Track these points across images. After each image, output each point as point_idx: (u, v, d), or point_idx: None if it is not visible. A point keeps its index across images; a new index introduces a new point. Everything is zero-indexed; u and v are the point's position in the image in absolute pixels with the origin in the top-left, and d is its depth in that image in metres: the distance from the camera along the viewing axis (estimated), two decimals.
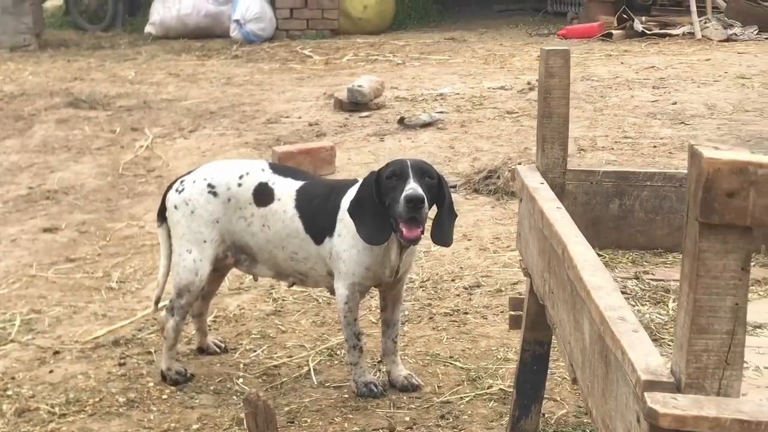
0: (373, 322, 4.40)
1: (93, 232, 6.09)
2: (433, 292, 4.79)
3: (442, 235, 3.61)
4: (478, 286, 4.82)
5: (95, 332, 4.50)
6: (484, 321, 4.44)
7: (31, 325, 4.63)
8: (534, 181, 3.14)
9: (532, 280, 3.13)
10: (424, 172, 3.49)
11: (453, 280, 4.91)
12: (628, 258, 3.30)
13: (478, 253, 5.23)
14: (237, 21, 13.30)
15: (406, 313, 4.51)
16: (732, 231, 1.65)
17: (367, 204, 3.50)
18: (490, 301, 4.64)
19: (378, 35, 13.68)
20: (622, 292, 2.96)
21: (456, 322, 4.44)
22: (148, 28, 14.14)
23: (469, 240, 5.42)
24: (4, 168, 7.56)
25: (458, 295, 4.74)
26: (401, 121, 7.74)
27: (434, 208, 3.62)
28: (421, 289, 4.83)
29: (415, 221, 3.41)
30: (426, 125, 7.66)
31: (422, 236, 3.49)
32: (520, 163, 6.36)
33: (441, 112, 8.06)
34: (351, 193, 3.65)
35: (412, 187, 3.40)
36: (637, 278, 3.10)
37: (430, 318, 4.50)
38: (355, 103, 8.34)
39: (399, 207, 3.40)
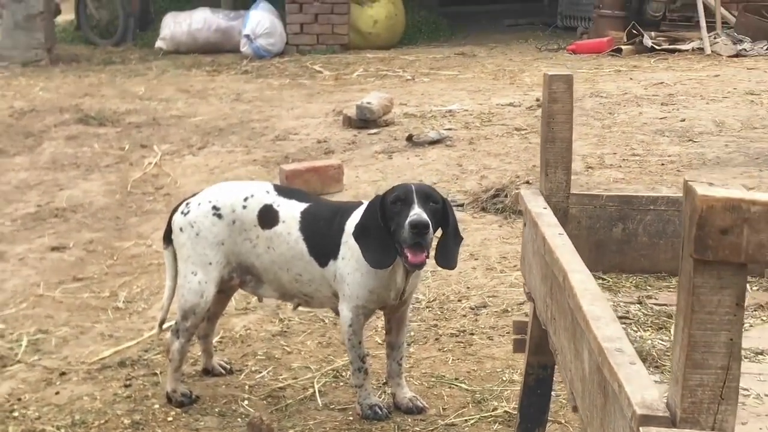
0: (379, 343, 4.41)
1: (100, 250, 6.11)
2: (439, 313, 4.79)
3: (447, 259, 3.62)
4: (485, 307, 4.82)
5: (101, 353, 4.52)
6: (489, 342, 4.44)
7: (38, 345, 4.65)
8: (537, 205, 3.15)
9: (535, 304, 3.14)
10: (429, 197, 3.50)
11: (459, 300, 4.91)
12: (631, 282, 3.31)
13: (484, 273, 5.24)
14: (247, 36, 13.34)
15: (412, 334, 4.51)
16: (726, 267, 1.66)
17: (372, 228, 3.51)
18: (497, 321, 4.64)
19: (388, 50, 13.70)
20: (625, 317, 2.98)
21: (462, 343, 4.45)
22: (158, 43, 14.19)
23: (476, 259, 5.42)
24: (13, 186, 7.60)
25: (464, 315, 4.75)
26: (409, 138, 7.76)
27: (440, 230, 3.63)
28: (427, 309, 4.83)
29: (419, 246, 3.42)
30: (434, 142, 7.67)
31: (427, 260, 3.50)
32: (528, 182, 6.37)
33: (449, 129, 8.07)
34: (355, 216, 3.66)
35: (417, 212, 3.41)
36: (640, 303, 3.10)
37: (436, 339, 4.50)
38: (364, 120, 8.35)
39: (404, 232, 3.41)
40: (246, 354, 4.45)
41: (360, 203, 3.77)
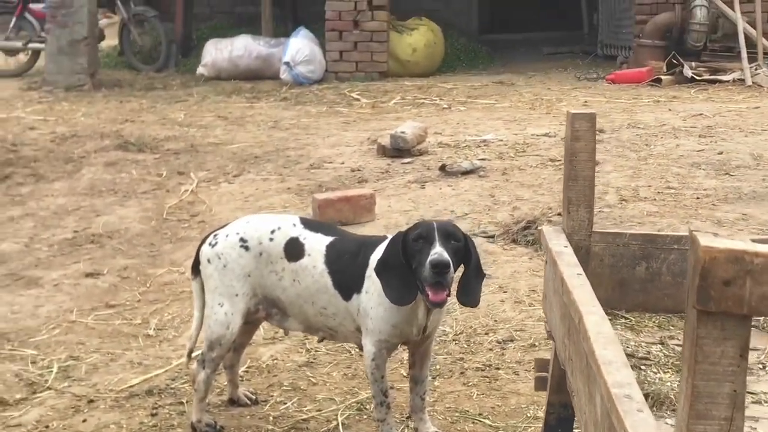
0: (404, 376, 4.40)
1: (134, 277, 6.17)
2: (465, 346, 4.78)
3: (468, 296, 3.62)
4: (512, 341, 4.81)
5: (130, 381, 4.56)
6: (515, 377, 4.43)
7: (69, 372, 4.70)
8: (558, 244, 3.15)
9: (555, 343, 3.13)
10: (450, 235, 3.50)
11: (486, 334, 4.90)
12: (654, 321, 3.29)
13: (513, 306, 5.22)
14: (287, 63, 13.46)
15: (438, 367, 4.51)
16: (729, 319, 1.65)
17: (394, 265, 3.52)
18: (523, 356, 4.62)
19: (426, 78, 13.75)
20: (646, 359, 2.97)
21: (487, 377, 4.43)
22: (200, 70, 14.35)
23: (504, 292, 5.41)
24: (51, 211, 7.70)
25: (491, 349, 4.73)
26: (442, 168, 7.78)
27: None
28: (454, 342, 4.82)
29: (440, 285, 3.42)
30: (467, 173, 7.68)
31: (449, 298, 3.51)
32: (560, 214, 6.35)
33: (483, 159, 8.08)
34: (380, 251, 3.68)
35: (438, 252, 3.41)
36: (662, 343, 3.09)
37: (462, 373, 4.49)
38: (398, 149, 8.39)
39: (425, 271, 3.41)
40: (272, 384, 4.47)
41: (384, 238, 3.78)
